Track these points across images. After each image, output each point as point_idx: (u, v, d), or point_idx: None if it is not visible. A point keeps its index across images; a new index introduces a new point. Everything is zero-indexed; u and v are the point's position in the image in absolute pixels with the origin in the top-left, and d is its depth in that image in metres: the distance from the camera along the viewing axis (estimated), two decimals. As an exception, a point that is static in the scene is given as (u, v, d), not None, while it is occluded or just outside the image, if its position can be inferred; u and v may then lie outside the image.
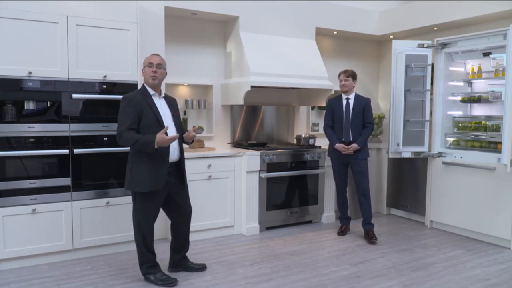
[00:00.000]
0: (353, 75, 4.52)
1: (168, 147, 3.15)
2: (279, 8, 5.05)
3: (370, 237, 4.42)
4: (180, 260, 3.54)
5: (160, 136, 2.97)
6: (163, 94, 3.33)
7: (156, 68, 3.16)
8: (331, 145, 4.60)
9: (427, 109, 4.92)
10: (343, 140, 4.50)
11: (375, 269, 3.65)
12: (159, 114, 3.16)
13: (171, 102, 3.37)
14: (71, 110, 3.71)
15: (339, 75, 4.57)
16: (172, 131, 3.21)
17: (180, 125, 3.38)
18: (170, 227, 3.49)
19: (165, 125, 3.13)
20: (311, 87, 4.95)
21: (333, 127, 4.59)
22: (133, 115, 3.07)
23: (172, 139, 3.01)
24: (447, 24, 5.10)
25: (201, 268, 3.58)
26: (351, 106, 4.52)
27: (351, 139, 4.48)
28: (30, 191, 3.59)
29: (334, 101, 4.61)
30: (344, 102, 4.54)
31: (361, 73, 6.18)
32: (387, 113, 5.73)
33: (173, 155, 3.23)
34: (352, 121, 4.49)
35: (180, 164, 3.32)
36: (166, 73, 3.30)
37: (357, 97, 4.56)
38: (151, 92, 3.21)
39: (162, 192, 3.22)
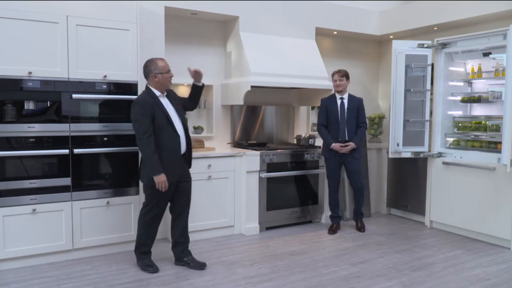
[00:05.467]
0: (346, 75, 4.61)
1: (178, 143, 3.41)
2: (279, 8, 5.04)
3: (360, 227, 4.78)
4: (181, 253, 3.62)
5: (162, 177, 3.28)
6: (165, 93, 3.50)
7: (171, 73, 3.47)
8: (326, 145, 4.64)
9: (427, 109, 4.92)
10: (339, 139, 4.56)
11: (375, 269, 3.65)
12: (168, 115, 3.39)
13: (172, 96, 3.58)
14: (71, 110, 3.70)
15: (332, 75, 4.64)
16: (179, 126, 3.44)
17: (183, 117, 3.57)
18: (171, 220, 3.66)
19: (174, 123, 3.38)
20: (311, 87, 4.95)
21: (327, 127, 4.63)
22: (148, 121, 3.29)
23: (164, 187, 3.30)
24: (447, 24, 5.10)
25: (200, 266, 3.59)
26: (346, 106, 4.58)
27: (347, 139, 4.55)
28: (30, 191, 3.59)
29: (328, 101, 4.66)
30: (339, 102, 4.60)
31: (361, 73, 6.19)
32: (387, 113, 5.73)
33: (183, 148, 3.48)
34: (348, 121, 4.56)
35: (186, 155, 3.55)
36: None
37: (350, 97, 4.64)
38: (157, 93, 3.43)
39: (175, 184, 3.46)
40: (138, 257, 3.59)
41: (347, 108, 4.57)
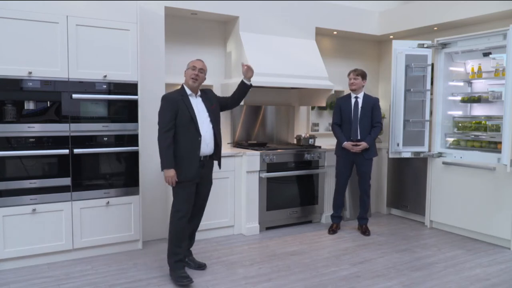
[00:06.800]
0: (362, 74, 4.58)
1: (199, 142, 3.35)
2: (279, 8, 5.05)
3: (364, 230, 4.70)
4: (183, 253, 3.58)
5: (170, 172, 3.26)
6: (199, 93, 3.48)
7: (198, 72, 3.40)
8: (339, 143, 4.63)
9: (427, 109, 4.92)
10: (351, 138, 4.54)
11: (375, 269, 3.66)
12: (194, 114, 3.36)
13: (208, 96, 3.54)
14: (71, 110, 3.71)
15: (348, 74, 4.63)
16: (206, 128, 3.40)
17: (217, 118, 3.52)
18: None
19: (199, 122, 3.36)
20: (311, 87, 4.95)
21: (341, 126, 4.63)
22: (169, 116, 3.30)
23: (171, 182, 3.28)
24: (447, 24, 5.10)
25: (200, 267, 3.59)
26: (360, 105, 4.56)
27: (359, 138, 4.53)
28: (30, 191, 3.59)
29: (342, 100, 4.67)
30: (353, 101, 4.58)
31: (361, 73, 6.19)
32: (387, 113, 5.73)
33: (205, 149, 3.42)
34: (361, 120, 4.54)
35: (213, 157, 3.53)
36: (205, 78, 3.48)
37: (365, 96, 4.61)
38: (188, 92, 3.43)
39: (194, 182, 3.41)
40: (171, 268, 3.37)
41: (361, 107, 4.54)
